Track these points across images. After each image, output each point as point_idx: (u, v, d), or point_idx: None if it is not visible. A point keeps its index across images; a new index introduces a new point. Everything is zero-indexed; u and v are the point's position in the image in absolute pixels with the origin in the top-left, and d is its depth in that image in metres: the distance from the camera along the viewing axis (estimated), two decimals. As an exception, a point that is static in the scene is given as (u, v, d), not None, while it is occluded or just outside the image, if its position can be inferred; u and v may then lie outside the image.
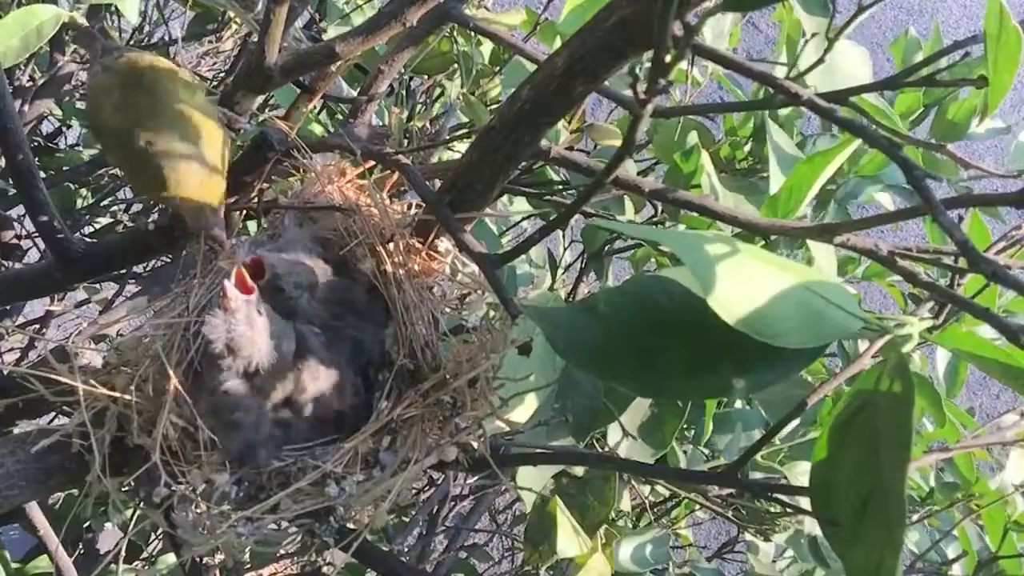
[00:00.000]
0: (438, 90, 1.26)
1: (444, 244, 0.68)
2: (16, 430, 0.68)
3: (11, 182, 1.16)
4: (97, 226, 1.51)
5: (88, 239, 1.34)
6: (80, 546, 1.21)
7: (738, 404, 1.05)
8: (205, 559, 0.80)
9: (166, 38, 1.39)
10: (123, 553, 0.69)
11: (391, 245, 0.66)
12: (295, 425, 0.62)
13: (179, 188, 0.62)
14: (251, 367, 0.60)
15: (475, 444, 0.63)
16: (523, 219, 1.18)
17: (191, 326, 0.63)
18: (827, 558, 0.95)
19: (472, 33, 1.05)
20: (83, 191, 1.47)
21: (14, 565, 1.10)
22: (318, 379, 0.62)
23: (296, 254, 0.66)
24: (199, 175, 0.63)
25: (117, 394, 0.61)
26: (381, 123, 1.03)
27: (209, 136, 0.64)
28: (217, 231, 0.64)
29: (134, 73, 0.64)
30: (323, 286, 0.66)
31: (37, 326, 1.44)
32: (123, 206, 1.48)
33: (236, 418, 0.60)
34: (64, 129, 1.53)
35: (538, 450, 0.71)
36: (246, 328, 0.59)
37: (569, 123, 0.98)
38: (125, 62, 0.64)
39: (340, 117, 1.15)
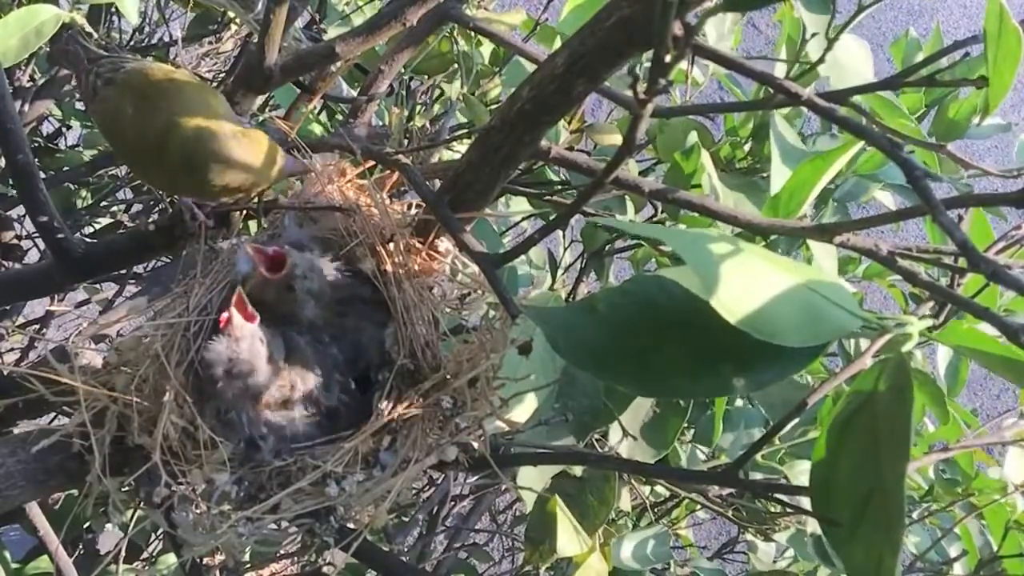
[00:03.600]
0: (438, 90, 1.26)
1: (444, 244, 0.68)
2: (16, 430, 0.68)
3: (11, 182, 1.16)
4: (97, 226, 1.51)
5: (88, 239, 1.34)
6: (80, 546, 1.20)
7: (739, 403, 1.05)
8: (205, 559, 0.80)
9: (166, 38, 1.39)
10: (123, 553, 0.70)
11: (391, 245, 0.66)
12: (290, 425, 0.62)
13: (245, 164, 0.60)
14: (248, 390, 0.61)
15: (475, 444, 0.63)
16: (523, 219, 1.18)
17: (191, 326, 0.63)
18: (832, 557, 0.95)
19: (472, 33, 1.05)
20: (83, 191, 1.46)
21: (14, 565, 1.10)
22: (306, 380, 0.62)
23: (311, 256, 0.65)
24: (258, 150, 0.60)
25: (117, 394, 0.61)
26: (381, 123, 1.03)
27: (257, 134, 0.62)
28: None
29: (150, 83, 0.61)
30: (327, 285, 0.66)
31: (37, 326, 1.44)
32: (123, 206, 1.48)
33: (232, 419, 0.61)
34: (64, 129, 1.53)
35: (538, 450, 0.71)
36: (248, 356, 0.60)
37: (569, 123, 0.99)
38: (137, 73, 0.62)
39: (340, 117, 1.15)
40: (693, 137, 0.96)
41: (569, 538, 0.82)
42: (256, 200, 0.71)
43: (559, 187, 1.04)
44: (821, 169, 0.75)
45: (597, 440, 0.88)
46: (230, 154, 0.59)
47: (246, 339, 0.60)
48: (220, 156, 0.59)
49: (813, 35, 0.73)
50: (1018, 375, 0.48)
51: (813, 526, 0.97)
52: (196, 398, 0.61)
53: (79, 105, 1.45)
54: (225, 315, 0.60)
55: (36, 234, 0.90)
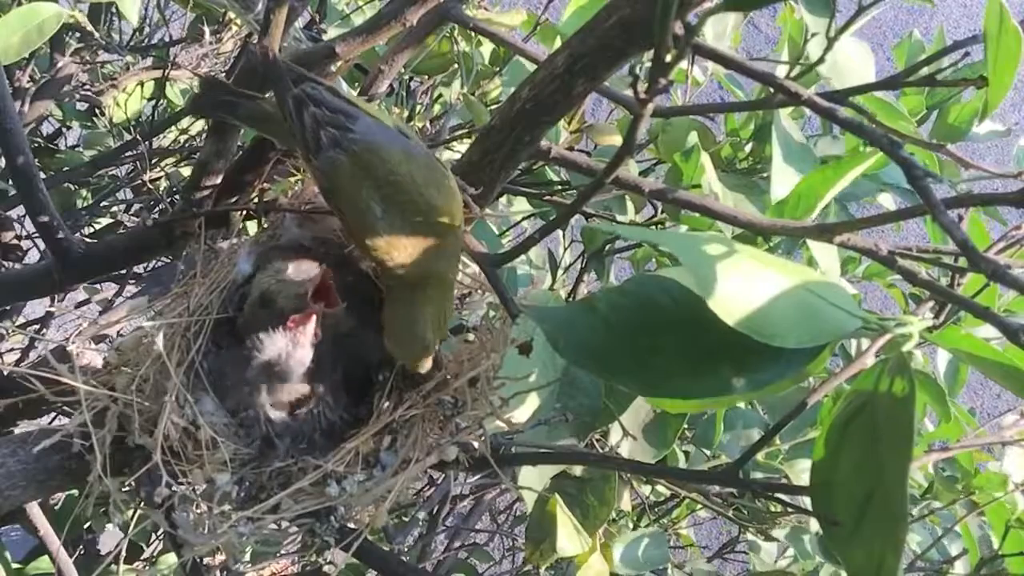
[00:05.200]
0: (438, 90, 1.26)
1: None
2: (17, 430, 0.68)
3: (11, 183, 1.16)
4: (97, 226, 1.51)
5: (88, 239, 1.34)
6: (81, 546, 1.20)
7: (739, 404, 1.05)
8: (206, 559, 0.80)
9: (166, 39, 1.39)
10: (124, 553, 0.69)
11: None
12: (293, 427, 0.62)
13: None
14: (270, 387, 0.61)
15: (475, 444, 0.63)
16: (523, 219, 1.18)
17: (192, 326, 0.63)
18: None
19: (472, 33, 1.05)
20: (83, 191, 1.46)
21: (15, 566, 1.10)
22: (322, 383, 0.62)
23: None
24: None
25: (118, 394, 0.61)
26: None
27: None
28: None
29: (393, 184, 0.56)
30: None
31: (37, 326, 1.44)
32: (123, 206, 1.48)
33: (248, 417, 0.62)
34: (64, 129, 1.53)
35: (538, 450, 0.71)
36: (295, 363, 0.61)
37: (569, 123, 0.99)
38: (374, 156, 0.56)
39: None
40: (694, 137, 0.96)
41: (569, 538, 0.82)
42: (256, 200, 0.71)
43: (559, 187, 1.04)
44: (831, 180, 0.75)
45: (597, 440, 0.88)
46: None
47: (303, 348, 0.61)
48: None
49: (813, 35, 0.73)
50: (1014, 381, 0.48)
51: (815, 525, 0.97)
52: (204, 396, 0.61)
53: (79, 105, 1.45)
54: (297, 318, 0.61)
55: (36, 234, 0.90)
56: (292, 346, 0.60)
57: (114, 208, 1.49)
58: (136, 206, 1.47)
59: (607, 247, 1.06)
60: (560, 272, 1.16)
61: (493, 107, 1.09)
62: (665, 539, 0.94)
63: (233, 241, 0.69)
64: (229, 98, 0.63)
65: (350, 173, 0.56)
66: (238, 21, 1.29)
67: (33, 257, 1.45)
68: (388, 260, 0.55)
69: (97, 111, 1.43)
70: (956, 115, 1.06)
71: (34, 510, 0.88)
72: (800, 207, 0.77)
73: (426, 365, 0.61)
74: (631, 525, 1.10)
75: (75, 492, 0.70)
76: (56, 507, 1.15)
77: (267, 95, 0.63)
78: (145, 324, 0.64)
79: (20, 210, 1.30)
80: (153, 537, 1.25)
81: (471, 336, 0.67)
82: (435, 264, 0.56)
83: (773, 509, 0.94)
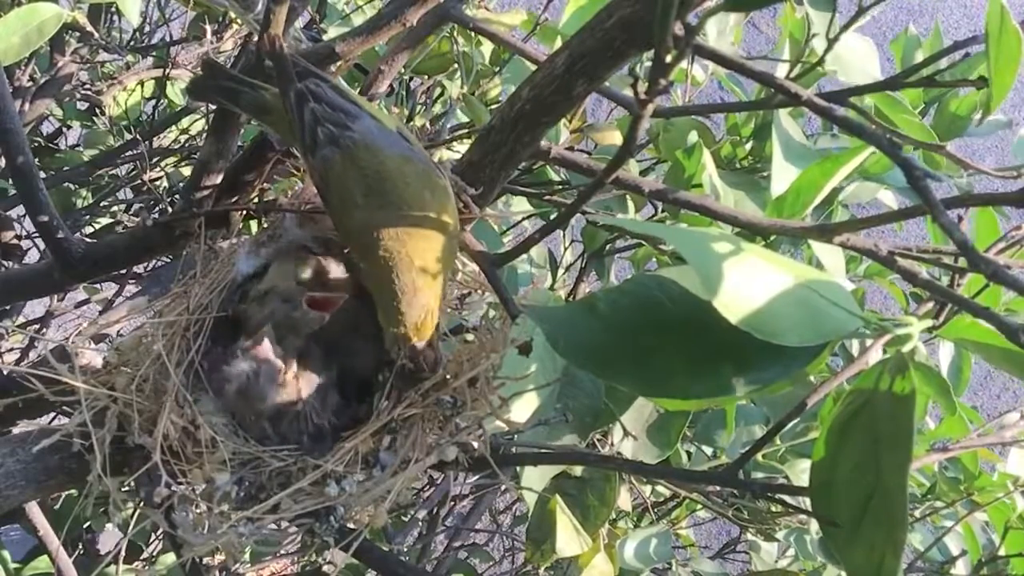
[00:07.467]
0: (438, 90, 1.26)
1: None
2: (16, 430, 0.67)
3: (11, 182, 1.16)
4: (97, 226, 1.51)
5: (88, 239, 1.34)
6: (80, 546, 1.21)
7: (740, 400, 1.05)
8: (205, 559, 0.81)
9: (166, 38, 1.39)
10: (123, 553, 0.69)
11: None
12: (281, 430, 0.62)
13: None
14: (252, 407, 0.61)
15: (475, 444, 0.63)
16: (523, 219, 1.18)
17: (191, 326, 0.63)
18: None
19: (472, 33, 1.05)
20: (83, 191, 1.46)
21: (14, 565, 1.10)
22: (311, 385, 0.62)
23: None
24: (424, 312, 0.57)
25: (117, 394, 0.61)
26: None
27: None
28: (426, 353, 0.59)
29: (385, 182, 0.56)
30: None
31: (37, 326, 1.44)
32: (123, 206, 1.48)
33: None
34: (64, 129, 1.53)
35: (538, 450, 0.71)
36: (264, 383, 0.61)
37: (569, 123, 0.98)
38: (368, 152, 0.56)
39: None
40: (694, 137, 0.96)
41: (569, 538, 0.82)
42: (256, 200, 0.71)
43: (559, 187, 1.04)
44: (830, 172, 0.75)
45: (598, 440, 0.88)
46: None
47: (268, 362, 0.61)
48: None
49: (814, 35, 0.73)
50: (1019, 368, 0.48)
51: (815, 525, 0.97)
52: (204, 396, 0.61)
53: (79, 105, 1.44)
54: (250, 343, 0.61)
55: (36, 234, 0.90)
56: (256, 366, 0.61)
57: (114, 208, 1.49)
58: (136, 206, 1.47)
59: (607, 247, 1.06)
60: (560, 272, 1.16)
61: (493, 107, 1.09)
62: (670, 537, 0.94)
63: (233, 241, 0.69)
64: (231, 84, 0.63)
65: (341, 168, 0.56)
66: (238, 20, 1.28)
67: (33, 257, 1.45)
68: (367, 243, 0.55)
69: (97, 110, 1.43)
70: (956, 107, 1.05)
71: (33, 510, 0.88)
72: (799, 202, 0.77)
73: (426, 333, 0.58)
74: (632, 525, 1.10)
75: (75, 492, 0.70)
76: (56, 507, 1.15)
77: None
78: (145, 324, 0.64)
79: (20, 210, 1.30)
80: (153, 537, 1.25)
81: (471, 336, 0.66)
82: (419, 252, 0.55)
83: (774, 509, 0.94)
